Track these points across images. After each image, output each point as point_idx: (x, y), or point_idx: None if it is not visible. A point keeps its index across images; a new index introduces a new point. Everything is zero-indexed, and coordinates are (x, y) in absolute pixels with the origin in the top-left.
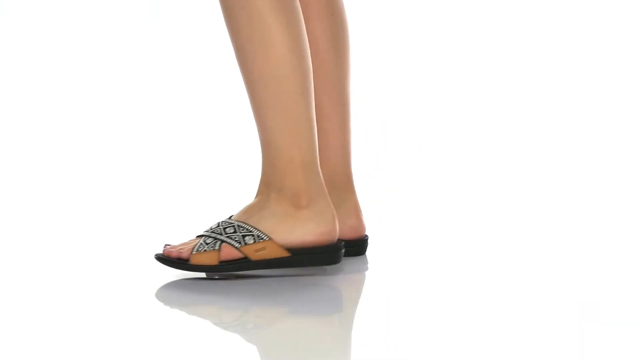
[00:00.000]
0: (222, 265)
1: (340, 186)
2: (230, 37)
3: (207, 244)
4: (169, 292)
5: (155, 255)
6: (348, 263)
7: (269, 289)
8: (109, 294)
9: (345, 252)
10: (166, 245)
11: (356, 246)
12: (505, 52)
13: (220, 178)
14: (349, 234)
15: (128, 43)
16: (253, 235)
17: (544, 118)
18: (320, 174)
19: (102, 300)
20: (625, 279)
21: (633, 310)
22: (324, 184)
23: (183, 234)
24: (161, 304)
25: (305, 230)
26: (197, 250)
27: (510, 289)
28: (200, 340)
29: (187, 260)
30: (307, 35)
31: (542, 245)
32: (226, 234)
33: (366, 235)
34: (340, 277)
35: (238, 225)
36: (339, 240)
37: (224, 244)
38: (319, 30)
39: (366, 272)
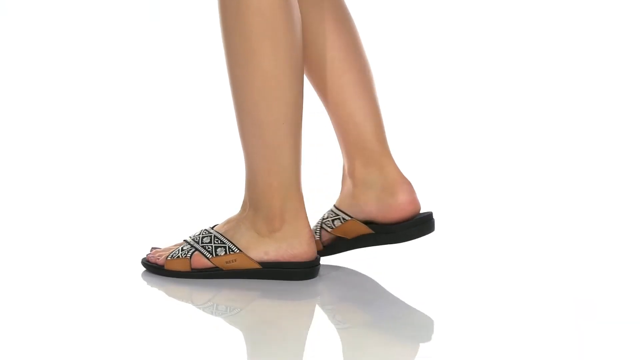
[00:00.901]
0: (194, 272)
1: (374, 156)
2: (224, 54)
3: (182, 250)
4: (147, 276)
5: (142, 259)
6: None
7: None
8: (95, 282)
9: (405, 234)
10: (152, 248)
11: (415, 226)
12: (482, 45)
13: (224, 180)
14: (399, 214)
15: (128, 43)
16: (225, 247)
17: (527, 110)
18: (301, 195)
19: (85, 286)
20: (623, 278)
21: (631, 310)
22: (303, 204)
23: (181, 234)
24: (136, 285)
25: (278, 251)
26: (172, 256)
27: (508, 289)
28: (168, 322)
29: (162, 266)
30: (307, 23)
31: (538, 243)
32: (202, 243)
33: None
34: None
35: (214, 236)
36: (317, 258)
37: (196, 252)
38: (313, 14)
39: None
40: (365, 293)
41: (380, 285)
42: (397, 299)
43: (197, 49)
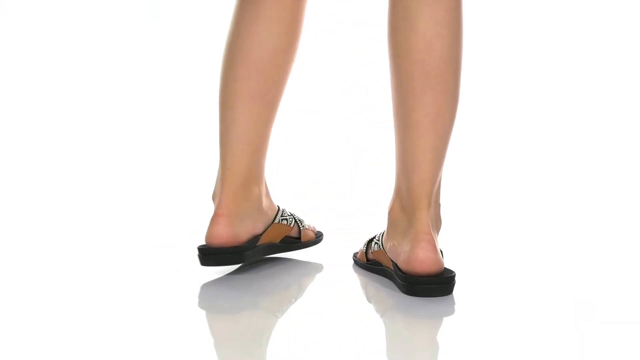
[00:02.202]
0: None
1: (411, 206)
2: None
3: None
4: (148, 277)
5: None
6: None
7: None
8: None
9: (412, 289)
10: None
11: (427, 284)
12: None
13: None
14: (413, 268)
15: (128, 43)
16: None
17: (531, 115)
18: (226, 174)
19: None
20: (623, 278)
21: (630, 309)
22: (228, 185)
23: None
24: (136, 285)
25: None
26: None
27: (507, 288)
28: (163, 324)
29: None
30: (416, 25)
31: (539, 243)
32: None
33: (449, 271)
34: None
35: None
36: (241, 244)
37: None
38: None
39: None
40: (355, 292)
41: (379, 285)
42: (396, 298)
43: (199, 48)
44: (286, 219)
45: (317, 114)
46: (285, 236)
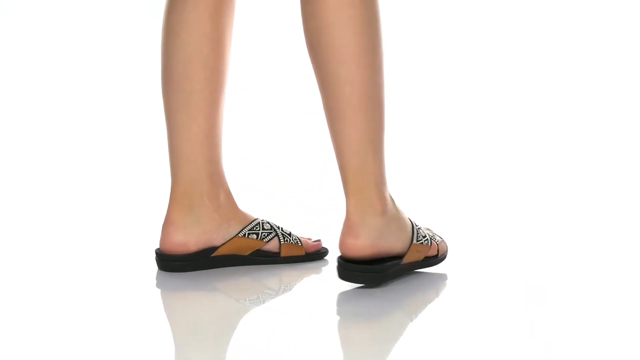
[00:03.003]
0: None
1: (345, 190)
2: None
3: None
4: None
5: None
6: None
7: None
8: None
9: (342, 273)
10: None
11: (354, 270)
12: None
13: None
14: (341, 250)
15: (128, 43)
16: None
17: (527, 114)
18: (177, 182)
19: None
20: (622, 278)
21: (630, 309)
22: (175, 193)
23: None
24: (136, 286)
25: None
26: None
27: (506, 289)
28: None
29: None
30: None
31: (537, 243)
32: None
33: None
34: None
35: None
36: (188, 253)
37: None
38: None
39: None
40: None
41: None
42: (387, 299)
43: None
44: (256, 233)
45: (281, 108)
46: (259, 250)
